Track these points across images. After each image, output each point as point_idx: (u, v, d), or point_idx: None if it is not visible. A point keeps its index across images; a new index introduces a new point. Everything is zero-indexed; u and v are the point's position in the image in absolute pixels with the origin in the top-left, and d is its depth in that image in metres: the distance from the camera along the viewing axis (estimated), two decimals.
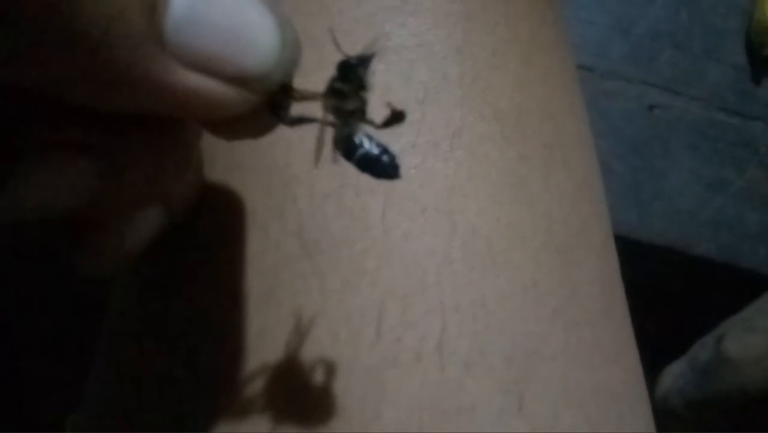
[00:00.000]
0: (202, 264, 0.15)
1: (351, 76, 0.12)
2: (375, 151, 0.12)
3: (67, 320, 0.50)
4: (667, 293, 0.50)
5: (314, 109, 0.12)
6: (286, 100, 0.12)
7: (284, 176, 0.15)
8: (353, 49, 0.12)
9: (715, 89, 0.50)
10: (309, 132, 0.14)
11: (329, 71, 0.13)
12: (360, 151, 0.12)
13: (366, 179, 0.15)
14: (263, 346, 0.14)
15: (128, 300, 0.16)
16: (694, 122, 0.50)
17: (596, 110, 0.51)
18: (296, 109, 0.12)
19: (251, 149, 0.15)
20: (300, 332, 0.14)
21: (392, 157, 0.12)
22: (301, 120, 0.12)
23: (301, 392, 0.13)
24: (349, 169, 0.15)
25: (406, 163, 0.15)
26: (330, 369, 0.13)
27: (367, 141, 0.12)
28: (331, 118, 0.12)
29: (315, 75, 0.16)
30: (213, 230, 0.15)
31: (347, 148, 0.12)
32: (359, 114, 0.12)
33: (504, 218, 0.15)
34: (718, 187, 0.49)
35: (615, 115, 0.51)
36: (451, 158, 0.15)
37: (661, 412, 0.45)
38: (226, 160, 0.16)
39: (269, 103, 0.11)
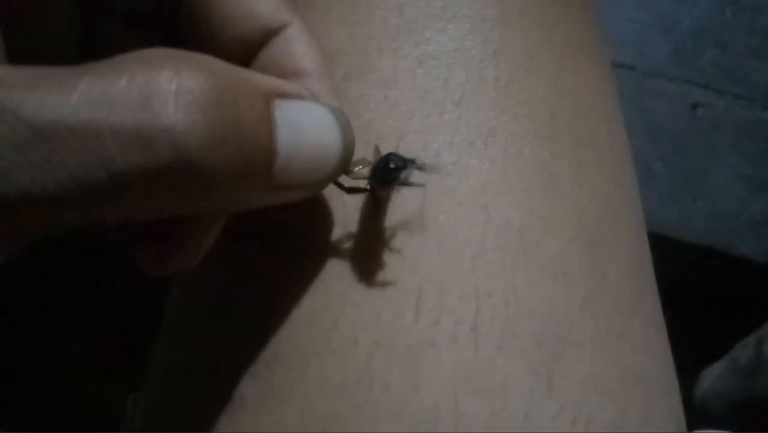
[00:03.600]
0: (256, 254, 0.16)
1: (388, 171, 0.14)
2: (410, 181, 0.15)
3: (124, 310, 0.53)
4: (708, 294, 0.49)
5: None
6: (343, 175, 0.15)
7: None
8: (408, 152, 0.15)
9: (759, 88, 0.49)
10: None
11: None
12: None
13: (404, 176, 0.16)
14: (313, 325, 0.15)
15: (187, 286, 0.18)
16: (737, 122, 0.49)
17: (638, 109, 0.51)
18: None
19: None
20: (345, 314, 0.15)
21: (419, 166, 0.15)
22: (356, 190, 0.15)
23: (347, 366, 0.14)
24: None
25: (443, 160, 0.16)
26: (373, 346, 0.14)
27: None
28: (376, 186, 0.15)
29: (358, 79, 0.17)
30: (267, 221, 0.16)
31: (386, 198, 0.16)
32: (393, 187, 0.15)
33: (536, 211, 0.16)
34: (761, 188, 0.48)
35: (657, 115, 0.51)
36: (485, 156, 0.16)
37: (700, 413, 0.45)
38: None
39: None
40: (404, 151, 0.15)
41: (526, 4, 0.18)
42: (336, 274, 0.15)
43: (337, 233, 0.16)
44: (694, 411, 0.46)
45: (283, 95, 0.13)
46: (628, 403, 0.16)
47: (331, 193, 0.16)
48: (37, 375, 0.55)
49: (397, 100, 0.17)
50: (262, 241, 0.16)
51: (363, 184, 0.15)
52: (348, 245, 0.15)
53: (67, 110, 0.10)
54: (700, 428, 0.44)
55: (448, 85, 0.17)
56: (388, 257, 0.15)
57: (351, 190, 0.15)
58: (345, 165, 0.14)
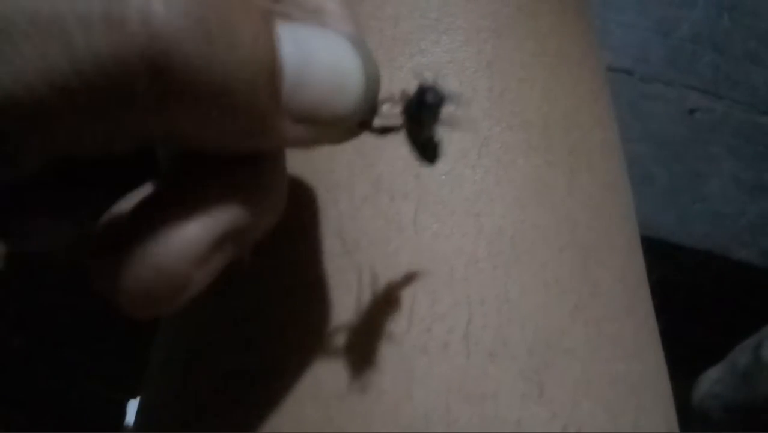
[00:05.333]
0: (250, 263, 0.17)
1: (425, 106, 0.13)
2: (440, 148, 0.14)
3: (121, 317, 0.53)
4: (706, 298, 0.49)
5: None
6: (372, 116, 0.13)
7: (327, 182, 0.16)
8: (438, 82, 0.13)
9: (757, 93, 0.49)
10: (349, 143, 0.16)
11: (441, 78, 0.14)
12: (430, 152, 0.14)
13: (399, 185, 0.16)
14: (306, 333, 0.15)
15: None
16: (736, 126, 0.50)
17: (636, 114, 0.51)
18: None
19: (298, 158, 0.17)
20: (338, 322, 0.15)
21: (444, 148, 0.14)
22: (386, 130, 0.14)
23: (340, 373, 0.15)
24: (384, 176, 0.16)
25: (436, 171, 0.16)
26: (366, 353, 0.15)
27: (439, 143, 0.14)
28: (409, 126, 0.14)
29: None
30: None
31: (422, 148, 0.14)
32: (431, 125, 0.13)
33: (528, 220, 0.16)
34: (760, 192, 0.48)
35: (655, 119, 0.51)
36: (478, 165, 0.17)
37: (698, 416, 0.45)
38: None
39: (359, 122, 0.13)
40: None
41: (520, 15, 0.19)
42: (330, 282, 0.16)
43: (331, 242, 0.16)
44: (692, 414, 0.46)
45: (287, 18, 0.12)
46: (620, 409, 0.16)
47: (326, 201, 0.16)
48: (37, 378, 0.55)
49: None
50: (257, 250, 0.17)
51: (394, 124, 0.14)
52: (341, 254, 0.16)
53: (26, 2, 0.09)
54: (698, 431, 0.44)
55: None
56: (382, 266, 0.15)
57: (382, 131, 0.14)
58: (370, 101, 0.13)
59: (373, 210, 0.16)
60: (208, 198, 0.12)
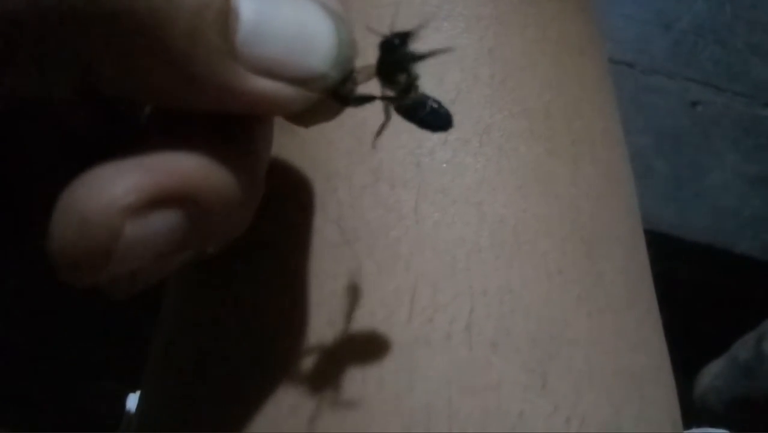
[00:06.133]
0: (251, 251, 0.16)
1: (396, 53, 0.12)
2: (434, 106, 0.13)
3: (124, 310, 0.53)
4: (707, 291, 0.49)
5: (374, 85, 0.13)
6: (348, 86, 0.13)
7: (326, 170, 0.16)
8: (392, 28, 0.13)
9: (759, 85, 0.49)
10: (347, 130, 0.16)
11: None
12: (421, 112, 0.13)
13: (399, 174, 0.16)
14: (306, 324, 0.15)
15: (182, 285, 0.18)
16: (737, 118, 0.49)
17: (637, 106, 0.51)
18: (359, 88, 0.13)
19: (296, 146, 0.17)
20: (339, 312, 0.15)
21: (446, 109, 0.13)
22: (363, 99, 0.13)
23: (340, 365, 0.14)
24: (384, 164, 0.16)
25: (437, 158, 0.16)
26: (366, 344, 0.14)
27: (426, 101, 0.13)
28: (388, 92, 0.13)
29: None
30: (262, 218, 0.16)
31: (410, 112, 0.13)
32: (413, 84, 0.13)
33: (531, 209, 0.16)
34: (761, 184, 0.48)
35: (656, 112, 0.51)
36: (480, 153, 0.16)
37: (700, 410, 0.45)
38: (272, 156, 0.17)
39: (333, 92, 0.13)
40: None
41: (521, 2, 0.18)
42: (330, 272, 0.15)
43: (330, 232, 0.16)
44: (693, 408, 0.46)
45: None
46: (623, 401, 0.16)
47: (324, 189, 0.16)
48: (37, 375, 0.55)
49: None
50: (254, 239, 0.16)
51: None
52: (340, 243, 0.15)
53: None
54: (699, 425, 0.44)
55: (444, 83, 0.17)
56: (382, 256, 0.15)
57: (358, 101, 0.13)
58: (343, 66, 0.12)
59: (373, 199, 0.16)
60: (155, 152, 0.11)
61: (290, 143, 0.17)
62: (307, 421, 0.14)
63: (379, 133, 0.14)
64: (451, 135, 0.16)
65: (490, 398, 0.14)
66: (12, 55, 0.10)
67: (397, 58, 0.12)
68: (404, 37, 0.12)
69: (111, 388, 0.50)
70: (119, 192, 0.10)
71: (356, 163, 0.16)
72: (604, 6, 0.52)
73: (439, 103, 0.13)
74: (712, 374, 0.46)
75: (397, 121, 0.16)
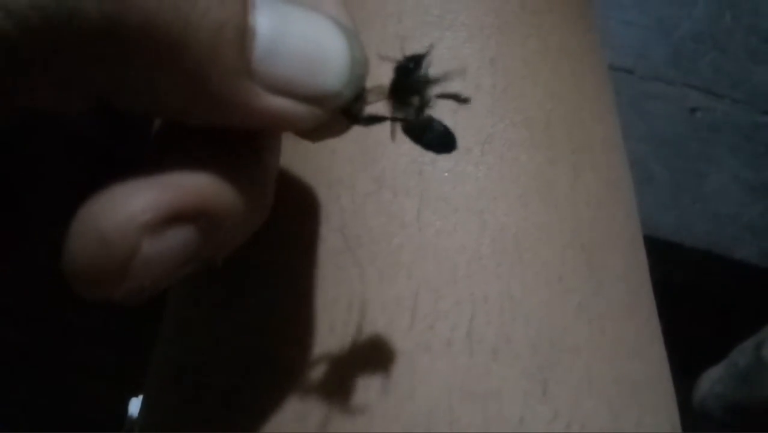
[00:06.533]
0: (256, 256, 0.17)
1: (410, 76, 0.13)
2: (440, 129, 0.13)
3: (122, 315, 0.53)
4: (707, 297, 0.49)
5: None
6: (359, 105, 0.13)
7: (329, 178, 0.16)
8: (405, 51, 0.13)
9: (758, 92, 0.49)
10: (351, 139, 0.16)
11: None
12: (429, 135, 0.13)
13: (402, 182, 0.16)
14: (307, 331, 0.15)
15: (185, 293, 0.18)
16: (736, 125, 0.50)
17: (637, 113, 0.51)
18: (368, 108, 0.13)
19: (299, 154, 0.17)
20: (341, 319, 0.15)
21: (451, 132, 0.13)
22: (374, 119, 0.13)
23: (342, 372, 0.14)
24: (387, 173, 0.16)
25: (439, 167, 0.16)
26: (368, 351, 0.14)
27: (434, 124, 0.13)
28: (399, 114, 0.13)
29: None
30: (265, 226, 0.17)
31: (418, 134, 0.13)
32: (425, 106, 0.13)
33: (531, 217, 0.16)
34: (760, 191, 0.48)
35: (656, 118, 0.51)
36: (482, 162, 0.16)
37: (699, 416, 0.45)
38: None
39: (343, 110, 0.13)
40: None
41: (523, 12, 0.19)
42: (332, 279, 0.15)
43: (333, 239, 0.16)
44: (693, 414, 0.46)
45: None
46: (622, 408, 0.16)
47: (328, 197, 0.16)
48: (38, 377, 0.55)
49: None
50: (258, 247, 0.16)
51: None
52: (343, 250, 0.16)
53: None
54: (699, 431, 0.44)
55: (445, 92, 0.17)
56: (384, 263, 0.15)
57: (368, 120, 0.13)
58: (355, 86, 0.12)
59: (376, 206, 0.16)
60: (169, 169, 0.11)
61: (294, 151, 0.17)
62: (309, 427, 0.14)
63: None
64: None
65: (491, 404, 0.14)
66: (25, 69, 0.10)
67: (411, 81, 0.12)
68: (418, 60, 0.12)
69: (110, 392, 0.50)
70: (137, 210, 0.10)
71: (359, 171, 0.16)
72: (603, 12, 0.52)
73: (445, 126, 0.13)
74: (711, 380, 0.46)
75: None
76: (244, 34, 0.11)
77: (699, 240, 0.48)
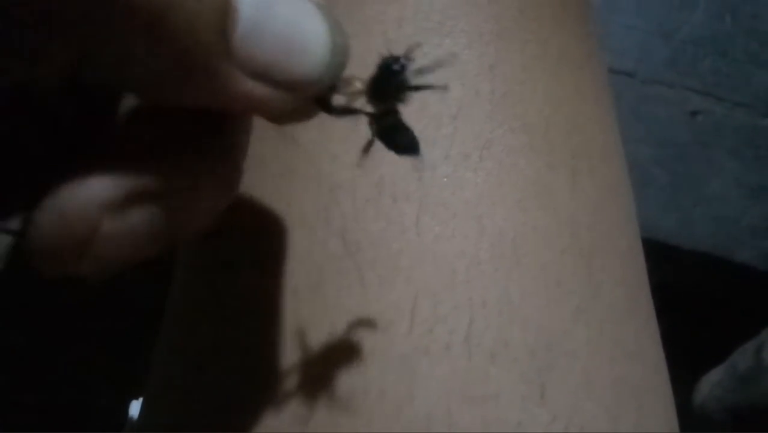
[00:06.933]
0: (256, 261, 0.17)
1: (393, 77, 0.12)
2: (407, 132, 0.13)
3: (123, 317, 0.53)
4: (707, 300, 0.49)
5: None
6: (333, 94, 0.13)
7: (330, 183, 0.17)
8: (394, 50, 0.13)
9: (759, 95, 0.50)
10: (352, 144, 0.16)
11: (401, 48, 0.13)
12: (396, 136, 0.13)
13: (402, 187, 0.16)
14: (309, 333, 0.15)
15: (184, 297, 0.18)
16: (737, 128, 0.50)
17: (638, 116, 0.51)
18: (342, 99, 0.13)
19: (300, 158, 0.17)
20: (341, 323, 0.15)
21: (416, 137, 0.13)
22: (347, 111, 0.13)
23: (342, 375, 0.15)
24: (387, 178, 0.16)
25: (439, 173, 0.16)
26: (368, 356, 0.15)
27: (402, 125, 0.13)
28: (371, 109, 0.13)
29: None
30: (266, 230, 0.17)
31: (385, 133, 0.13)
32: (397, 110, 0.13)
33: (530, 222, 0.16)
34: (761, 194, 0.48)
35: (656, 121, 0.51)
36: (480, 168, 0.17)
37: (699, 419, 0.45)
38: (278, 167, 0.17)
39: (317, 97, 0.12)
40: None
41: (522, 18, 0.19)
42: (332, 283, 0.16)
43: (333, 244, 0.16)
44: (693, 417, 0.46)
45: None
46: (621, 411, 0.16)
47: (328, 202, 0.16)
48: (38, 378, 0.55)
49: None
50: (255, 250, 0.17)
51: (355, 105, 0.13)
52: (343, 255, 0.16)
53: None
54: (699, 432, 0.44)
55: (445, 99, 0.17)
56: (384, 268, 0.15)
57: (341, 111, 0.13)
58: (334, 73, 0.12)
59: (376, 212, 0.16)
60: (133, 150, 0.11)
61: (295, 156, 0.17)
62: (309, 430, 0.14)
63: (366, 150, 0.14)
64: (452, 150, 0.17)
65: (489, 408, 0.14)
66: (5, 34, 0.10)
67: (393, 82, 0.12)
68: (405, 64, 0.12)
69: (111, 394, 0.50)
70: (97, 189, 0.11)
71: (360, 176, 0.16)
72: (604, 16, 0.52)
73: (411, 131, 0.13)
74: (711, 383, 0.46)
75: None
76: (226, 13, 0.11)
77: (699, 243, 0.48)
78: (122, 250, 0.11)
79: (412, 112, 0.17)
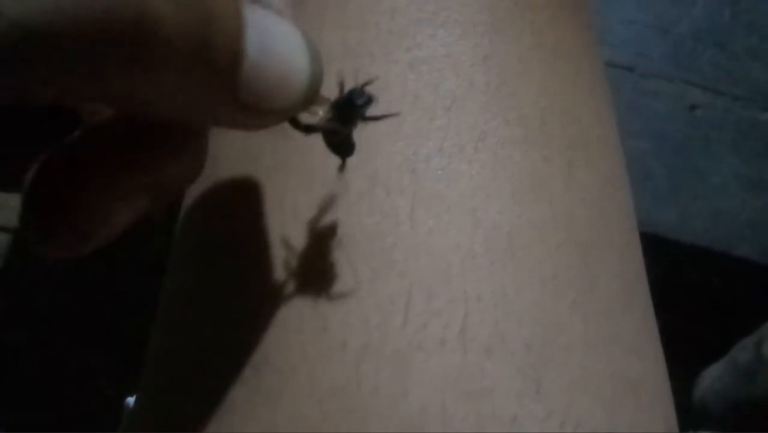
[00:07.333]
0: (249, 253, 0.16)
1: (353, 107, 0.14)
2: (352, 145, 0.15)
3: (121, 316, 0.53)
4: (707, 294, 0.49)
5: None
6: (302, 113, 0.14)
7: (323, 177, 0.16)
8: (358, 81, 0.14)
9: (758, 89, 0.49)
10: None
11: (364, 79, 0.15)
12: (341, 147, 0.15)
13: (396, 180, 0.16)
14: (302, 329, 0.15)
15: (176, 294, 0.18)
16: (736, 122, 0.49)
17: (637, 110, 0.51)
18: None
19: (294, 152, 0.17)
20: (334, 318, 0.15)
21: (354, 144, 0.15)
22: (311, 128, 0.14)
23: (335, 370, 0.14)
24: (380, 171, 0.16)
25: (433, 165, 0.16)
26: (362, 351, 0.14)
27: (351, 141, 0.15)
28: (330, 125, 0.14)
29: (351, 80, 0.17)
30: (259, 225, 0.17)
31: (333, 143, 0.15)
32: (349, 132, 0.15)
33: (525, 215, 0.16)
34: (760, 188, 0.48)
35: (656, 115, 0.51)
36: (475, 160, 0.16)
37: (699, 413, 0.45)
38: (271, 162, 0.17)
39: (290, 118, 0.14)
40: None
41: (517, 8, 0.19)
42: (326, 277, 0.15)
43: (326, 237, 0.16)
44: (693, 411, 0.46)
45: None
46: (617, 406, 0.16)
47: (321, 194, 0.16)
48: (37, 377, 0.55)
49: (388, 106, 0.17)
50: (248, 244, 0.16)
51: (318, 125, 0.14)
52: (337, 249, 0.16)
53: None
54: (699, 428, 0.44)
55: (439, 90, 0.17)
56: (377, 262, 0.15)
57: (308, 129, 0.14)
58: (311, 97, 0.13)
59: (369, 205, 0.16)
60: (141, 152, 0.12)
61: (288, 150, 0.17)
62: (303, 427, 0.14)
63: (341, 168, 0.16)
64: (446, 142, 0.16)
65: (484, 403, 0.14)
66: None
67: (352, 111, 0.14)
68: (368, 101, 0.14)
69: (110, 391, 0.50)
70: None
71: (353, 169, 0.16)
72: (603, 10, 0.52)
73: (354, 144, 0.15)
74: (711, 378, 0.46)
75: (395, 128, 0.16)
76: (239, 54, 0.11)
77: (699, 237, 0.48)
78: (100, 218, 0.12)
79: (405, 103, 0.17)
